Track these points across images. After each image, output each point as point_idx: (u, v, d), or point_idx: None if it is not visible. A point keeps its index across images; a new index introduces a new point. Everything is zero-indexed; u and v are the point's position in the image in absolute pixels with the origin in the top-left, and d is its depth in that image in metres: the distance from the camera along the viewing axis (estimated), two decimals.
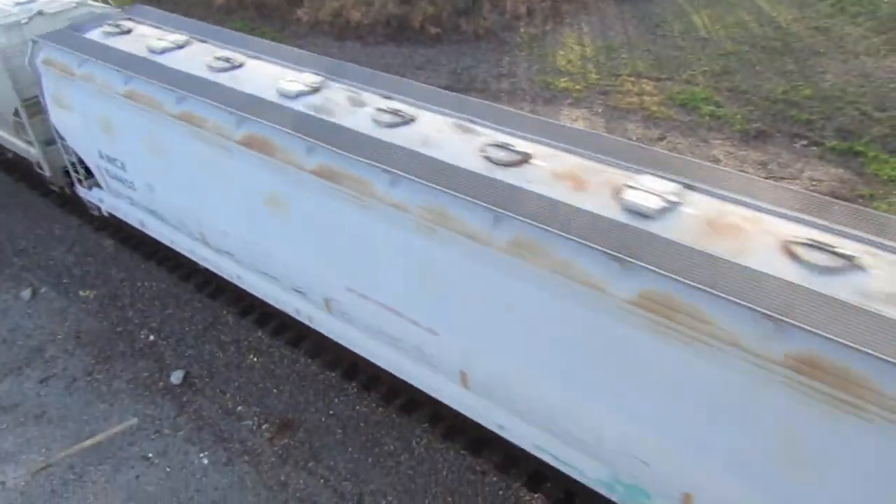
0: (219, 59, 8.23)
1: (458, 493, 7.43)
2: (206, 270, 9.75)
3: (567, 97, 15.29)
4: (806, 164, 12.34)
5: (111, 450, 8.22)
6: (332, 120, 6.85)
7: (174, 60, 8.41)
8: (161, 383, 9.02)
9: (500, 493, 7.39)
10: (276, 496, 7.54)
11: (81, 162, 10.34)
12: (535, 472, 7.31)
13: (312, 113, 7.00)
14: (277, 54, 8.34)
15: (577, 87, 15.65)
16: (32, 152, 11.56)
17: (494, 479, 7.51)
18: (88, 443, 8.33)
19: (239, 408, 8.61)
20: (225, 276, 9.11)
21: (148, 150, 8.52)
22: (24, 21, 10.61)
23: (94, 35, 9.41)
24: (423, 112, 6.93)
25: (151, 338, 9.72)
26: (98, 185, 10.44)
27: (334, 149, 6.37)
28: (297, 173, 6.77)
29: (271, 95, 7.39)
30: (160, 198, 9.06)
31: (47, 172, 11.63)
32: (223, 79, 7.85)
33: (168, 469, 7.94)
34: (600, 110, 14.71)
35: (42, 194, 12.89)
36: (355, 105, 7.11)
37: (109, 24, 9.57)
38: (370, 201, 6.26)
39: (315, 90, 7.40)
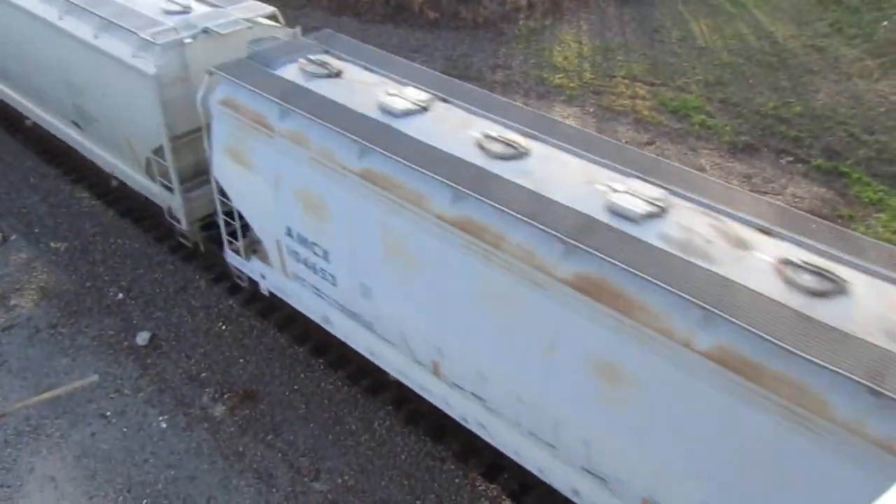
0: (491, 138, 6.15)
1: (416, 477, 7.42)
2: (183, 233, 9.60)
3: (560, 94, 15.25)
4: (790, 181, 12.44)
5: (69, 405, 8.10)
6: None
7: (424, 131, 6.29)
8: (126, 343, 8.90)
9: (457, 481, 7.40)
10: (233, 465, 7.49)
11: (245, 227, 8.30)
12: (493, 463, 7.33)
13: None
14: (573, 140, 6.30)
15: (572, 84, 15.62)
16: (167, 198, 9.42)
17: (452, 466, 7.52)
18: (46, 395, 8.21)
19: (203, 374, 8.52)
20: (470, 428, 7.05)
21: (382, 248, 6.40)
22: (186, 41, 8.21)
23: (291, 73, 7.22)
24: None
25: (120, 296, 9.59)
26: (257, 256, 8.51)
27: None
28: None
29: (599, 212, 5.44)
30: (380, 307, 6.94)
31: (184, 226, 9.43)
32: (510, 172, 5.79)
33: (125, 429, 7.85)
34: (592, 110, 14.69)
35: (20, 141, 12.62)
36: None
37: (305, 60, 7.37)
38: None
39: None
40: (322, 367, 8.60)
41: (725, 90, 15.40)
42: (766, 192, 12.11)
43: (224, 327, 9.15)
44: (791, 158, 13.06)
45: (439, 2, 19.06)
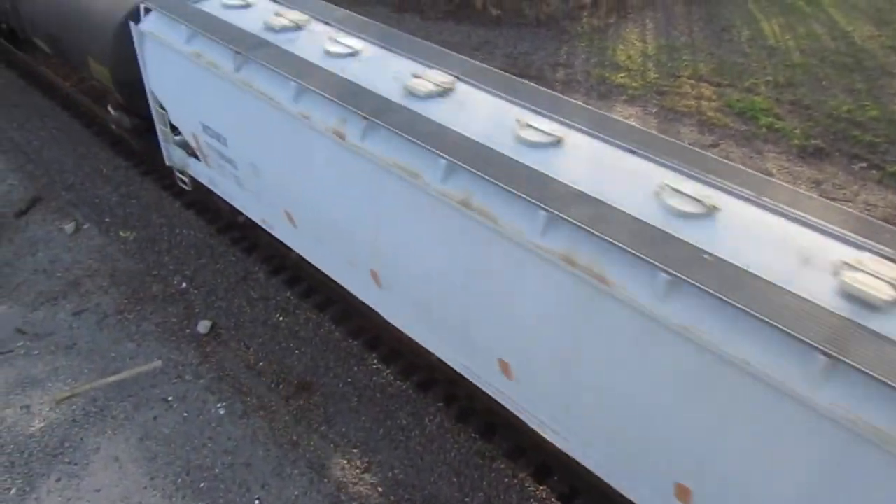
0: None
1: (465, 475, 7.44)
2: (244, 224, 9.90)
3: (622, 93, 15.01)
4: (862, 188, 11.95)
5: (133, 388, 8.42)
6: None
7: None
8: (188, 330, 9.19)
9: (506, 480, 7.39)
10: (287, 454, 7.65)
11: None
12: (543, 464, 7.29)
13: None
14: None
15: (634, 84, 15.35)
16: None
17: (502, 465, 7.51)
18: (113, 378, 8.55)
19: (260, 363, 8.73)
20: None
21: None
22: None
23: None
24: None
25: (184, 285, 9.90)
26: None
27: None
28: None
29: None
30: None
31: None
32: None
33: (185, 414, 8.11)
34: (654, 110, 14.41)
35: (94, 133, 13.15)
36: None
37: None
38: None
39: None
40: (375, 360, 8.70)
41: (796, 92, 14.89)
42: (836, 199, 11.67)
43: (281, 318, 9.35)
44: (864, 164, 12.54)
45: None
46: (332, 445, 7.75)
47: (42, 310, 9.52)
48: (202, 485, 7.38)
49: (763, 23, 18.34)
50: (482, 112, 6.31)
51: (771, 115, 14.08)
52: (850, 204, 11.54)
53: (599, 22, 18.50)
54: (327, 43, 7.55)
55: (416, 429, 7.92)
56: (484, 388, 6.64)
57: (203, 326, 9.20)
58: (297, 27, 7.95)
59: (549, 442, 6.29)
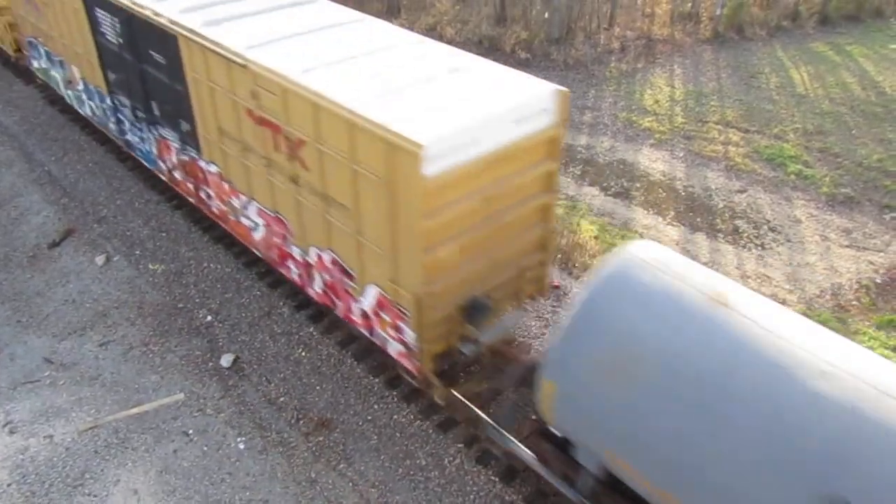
0: None
1: None
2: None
3: (649, 137, 15.05)
4: (894, 238, 11.76)
5: (155, 421, 8.45)
6: None
7: None
8: (211, 364, 9.24)
9: None
10: (304, 492, 7.59)
11: None
12: None
13: None
14: None
15: (662, 128, 15.40)
16: None
17: None
18: (135, 410, 8.59)
19: (281, 399, 8.73)
20: None
21: None
22: None
23: None
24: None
25: (209, 318, 9.99)
26: None
27: None
28: None
29: None
30: None
31: None
32: None
33: (205, 448, 8.10)
34: (681, 154, 14.41)
35: (129, 168, 13.46)
36: None
37: None
38: None
39: None
40: (395, 399, 8.65)
41: (825, 140, 14.81)
42: (866, 248, 11.50)
43: (303, 354, 9.37)
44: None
45: (531, 43, 19.31)
46: (350, 484, 7.68)
47: (69, 340, 9.65)
48: None
49: (792, 70, 18.36)
50: None
51: (800, 162, 14.00)
52: (882, 254, 11.36)
53: (627, 67, 18.66)
54: None
55: (436, 469, 7.82)
56: None
57: (226, 360, 9.24)
58: None
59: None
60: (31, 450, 8.11)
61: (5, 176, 13.44)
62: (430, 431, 8.23)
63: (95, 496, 7.57)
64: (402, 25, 11.21)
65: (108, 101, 12.13)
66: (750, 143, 14.75)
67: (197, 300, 10.33)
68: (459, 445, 8.03)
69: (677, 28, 20.82)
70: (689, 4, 21.74)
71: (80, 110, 14.13)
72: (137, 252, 11.35)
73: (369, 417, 8.45)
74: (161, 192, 12.64)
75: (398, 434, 8.23)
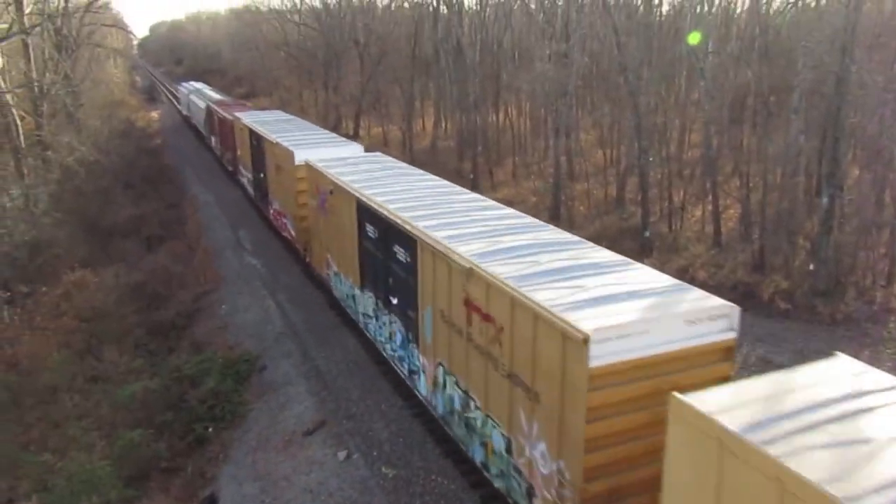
0: None
1: None
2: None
3: None
4: None
5: None
6: None
7: None
8: None
9: None
10: None
11: None
12: None
13: None
14: None
15: None
16: None
17: None
18: None
19: None
20: None
21: None
22: None
23: None
24: None
25: None
26: None
27: None
28: None
29: None
30: None
31: None
32: None
33: None
34: None
35: (382, 371, 14.59)
36: None
37: None
38: None
39: None
40: None
41: None
42: None
43: None
44: None
45: (793, 294, 18.30)
46: None
47: None
48: None
49: None
50: None
51: None
52: None
53: None
54: None
55: None
56: None
57: None
58: None
59: None
60: None
61: (283, 365, 15.30)
62: None
63: None
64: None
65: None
66: None
67: None
68: None
69: None
70: None
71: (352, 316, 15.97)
72: (375, 453, 11.92)
73: None
74: (406, 397, 13.42)
75: None
